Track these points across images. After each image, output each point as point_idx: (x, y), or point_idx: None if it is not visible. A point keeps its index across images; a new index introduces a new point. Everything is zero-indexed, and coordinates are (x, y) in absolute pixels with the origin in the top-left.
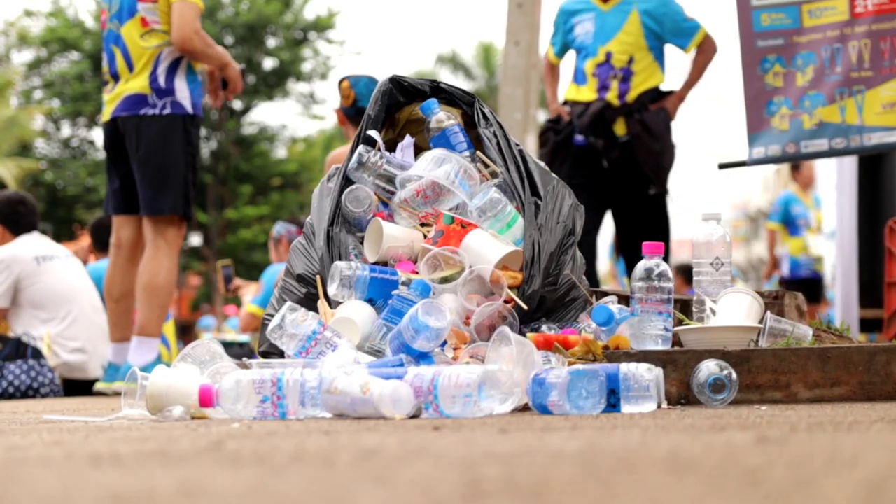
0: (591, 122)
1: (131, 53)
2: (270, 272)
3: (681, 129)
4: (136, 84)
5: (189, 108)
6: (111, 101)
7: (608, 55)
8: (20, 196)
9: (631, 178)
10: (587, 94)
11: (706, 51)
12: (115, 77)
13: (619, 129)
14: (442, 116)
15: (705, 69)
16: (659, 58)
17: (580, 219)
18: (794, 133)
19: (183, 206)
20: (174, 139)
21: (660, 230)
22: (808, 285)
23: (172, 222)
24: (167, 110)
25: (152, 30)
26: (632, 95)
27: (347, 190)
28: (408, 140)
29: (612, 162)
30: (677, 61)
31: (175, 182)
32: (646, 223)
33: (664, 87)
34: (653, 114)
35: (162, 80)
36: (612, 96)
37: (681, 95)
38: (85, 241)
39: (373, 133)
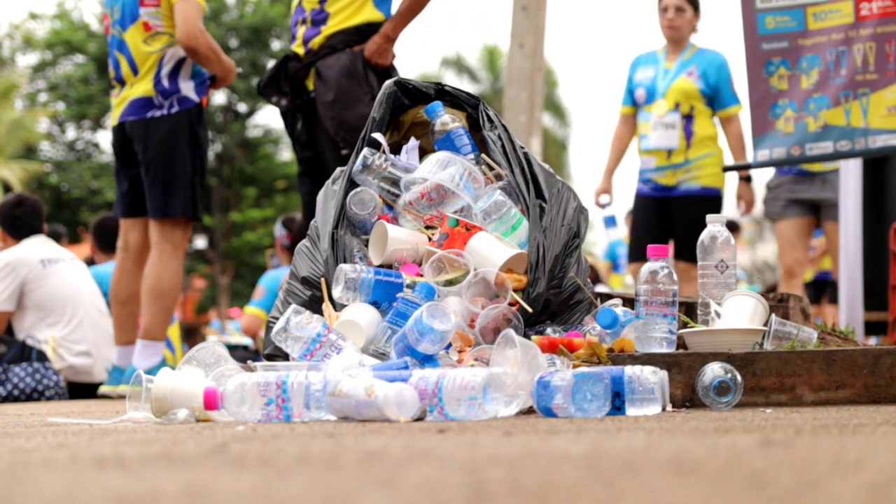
0: (267, 80)
1: (135, 58)
2: (268, 277)
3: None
4: (141, 88)
5: (196, 98)
6: (118, 105)
7: None
8: (18, 198)
9: (322, 140)
10: None
11: None
12: (121, 82)
13: (311, 82)
14: (446, 119)
15: None
16: None
17: (585, 221)
18: (798, 136)
19: (192, 209)
20: (181, 141)
21: None
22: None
23: (179, 225)
24: (175, 108)
25: (156, 33)
26: (317, 41)
27: (352, 193)
28: (412, 143)
29: (304, 124)
30: None
31: (183, 184)
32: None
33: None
34: (334, 58)
35: (166, 82)
36: (297, 46)
37: (386, 31)
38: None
39: (377, 136)
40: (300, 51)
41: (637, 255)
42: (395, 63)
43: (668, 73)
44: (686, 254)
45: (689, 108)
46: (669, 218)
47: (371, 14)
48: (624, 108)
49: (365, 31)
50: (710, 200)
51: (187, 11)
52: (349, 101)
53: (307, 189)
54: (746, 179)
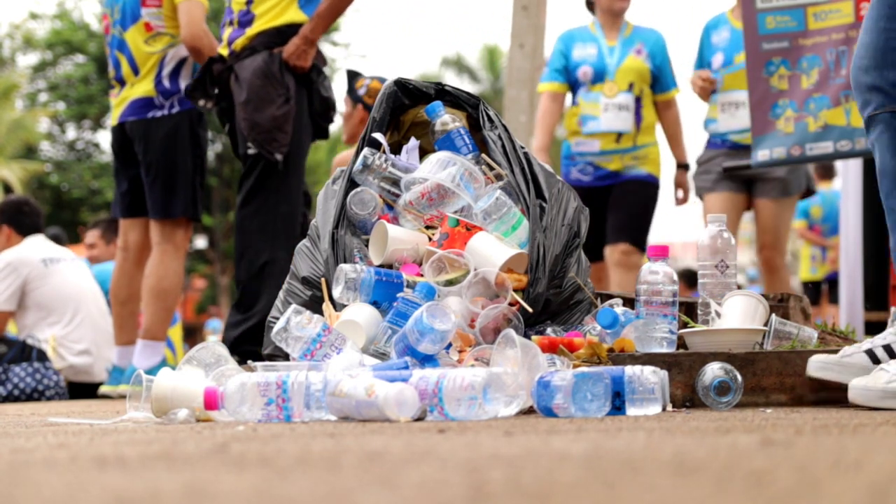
0: (193, 83)
1: (136, 58)
2: None
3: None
4: (142, 88)
5: None
6: (118, 105)
7: None
8: (24, 198)
9: (240, 140)
10: None
11: None
12: (121, 82)
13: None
14: (447, 119)
15: None
16: None
17: (585, 221)
18: (799, 135)
19: (192, 209)
20: (182, 141)
21: (260, 205)
22: None
23: (180, 225)
24: (175, 108)
25: (158, 33)
26: (240, 42)
27: (352, 192)
28: (412, 143)
29: (231, 126)
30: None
31: (184, 184)
32: (248, 193)
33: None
34: (251, 59)
35: (167, 83)
36: (223, 47)
37: (304, 33)
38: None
39: (377, 135)
40: (225, 52)
41: (593, 255)
42: (320, 66)
43: (613, 51)
44: (628, 235)
45: (640, 89)
46: (609, 203)
47: (294, 15)
48: (555, 84)
49: (286, 33)
50: (653, 185)
51: (192, 12)
52: (261, 102)
53: None
54: (684, 167)
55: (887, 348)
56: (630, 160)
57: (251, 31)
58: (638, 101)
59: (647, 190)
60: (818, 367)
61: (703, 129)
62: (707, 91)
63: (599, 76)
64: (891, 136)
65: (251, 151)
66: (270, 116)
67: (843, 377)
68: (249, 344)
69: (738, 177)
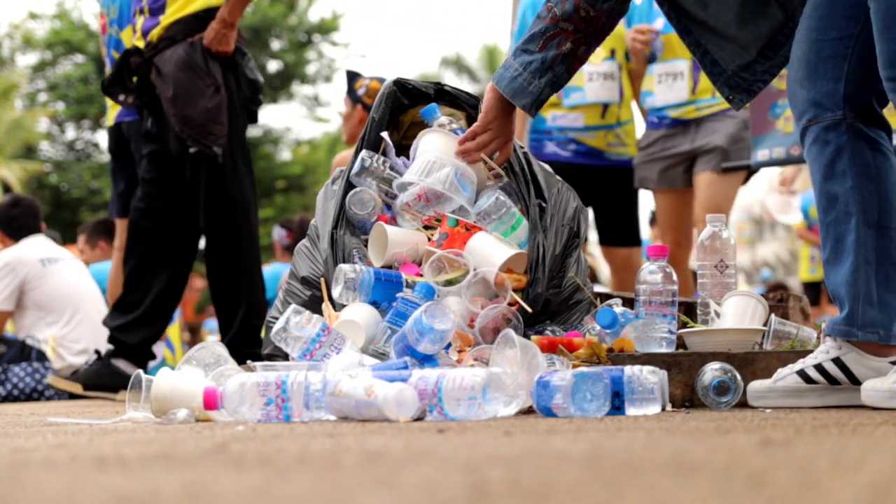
0: (111, 78)
1: None
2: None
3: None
4: None
5: None
6: (114, 105)
7: None
8: (14, 199)
9: (171, 136)
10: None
11: None
12: None
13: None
14: (443, 121)
15: None
16: None
17: (585, 221)
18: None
19: None
20: None
21: (216, 203)
22: None
23: None
24: None
25: None
26: (156, 33)
27: (352, 192)
28: (414, 144)
29: (154, 119)
30: None
31: None
32: (205, 196)
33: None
34: (170, 51)
35: None
36: (137, 39)
37: (222, 16)
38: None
39: (384, 135)
40: (140, 44)
41: None
42: (243, 48)
43: None
44: (627, 240)
45: (622, 58)
46: (591, 190)
47: None
48: None
49: (203, 18)
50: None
51: None
52: (190, 96)
53: (151, 176)
54: None
55: (819, 367)
56: (613, 138)
57: (165, 19)
58: (620, 69)
59: (630, 180)
60: (755, 397)
61: (641, 104)
62: (647, 45)
63: None
64: (818, 150)
65: (193, 150)
66: (202, 109)
67: (779, 402)
68: (245, 346)
69: (682, 157)
